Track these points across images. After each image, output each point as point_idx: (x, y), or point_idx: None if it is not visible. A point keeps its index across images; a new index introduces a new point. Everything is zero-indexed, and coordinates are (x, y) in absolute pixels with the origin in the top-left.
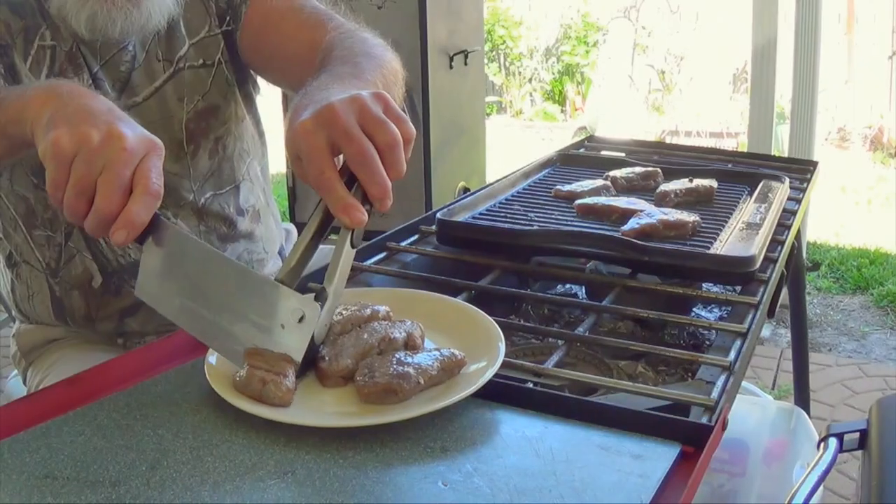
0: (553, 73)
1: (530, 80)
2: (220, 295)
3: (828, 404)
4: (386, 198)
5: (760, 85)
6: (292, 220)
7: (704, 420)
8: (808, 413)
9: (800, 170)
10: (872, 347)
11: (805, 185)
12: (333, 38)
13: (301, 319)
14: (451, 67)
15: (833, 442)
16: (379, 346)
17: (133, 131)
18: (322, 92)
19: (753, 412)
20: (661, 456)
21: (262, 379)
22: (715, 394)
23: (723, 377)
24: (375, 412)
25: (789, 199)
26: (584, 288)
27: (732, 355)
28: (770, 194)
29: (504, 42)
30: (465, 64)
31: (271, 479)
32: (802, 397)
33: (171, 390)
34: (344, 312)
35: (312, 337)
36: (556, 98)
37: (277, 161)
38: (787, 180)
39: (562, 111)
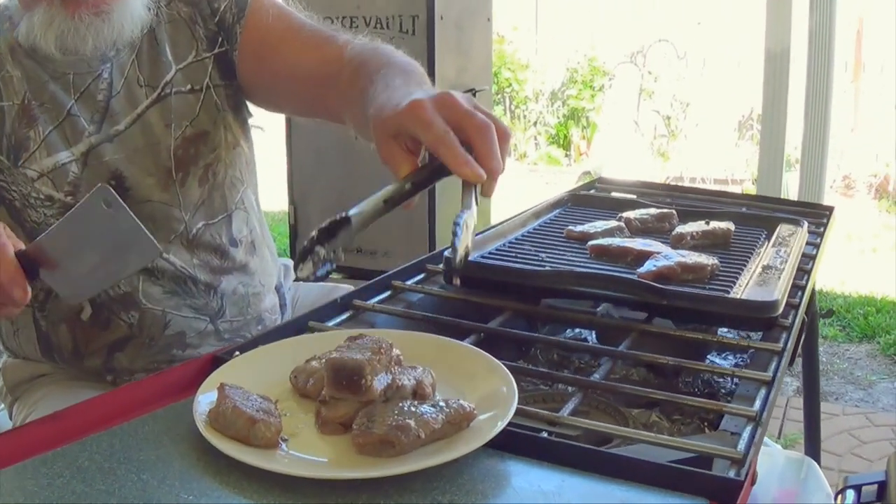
0: (558, 117)
1: (535, 124)
2: (99, 245)
3: (835, 454)
4: (496, 173)
5: (770, 132)
6: (293, 258)
7: (731, 474)
8: (819, 463)
9: (815, 214)
10: (879, 396)
11: (822, 229)
12: (360, 50)
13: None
14: None
15: (851, 494)
16: (385, 392)
17: None
18: (407, 88)
19: (762, 461)
20: None
21: (251, 418)
22: (741, 446)
23: (749, 428)
24: (377, 463)
25: (807, 244)
26: (594, 333)
27: (758, 405)
28: (789, 238)
29: (510, 85)
30: None
31: None
32: (813, 447)
33: (159, 431)
34: None
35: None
36: (561, 142)
37: (280, 199)
38: (806, 224)
39: (566, 155)
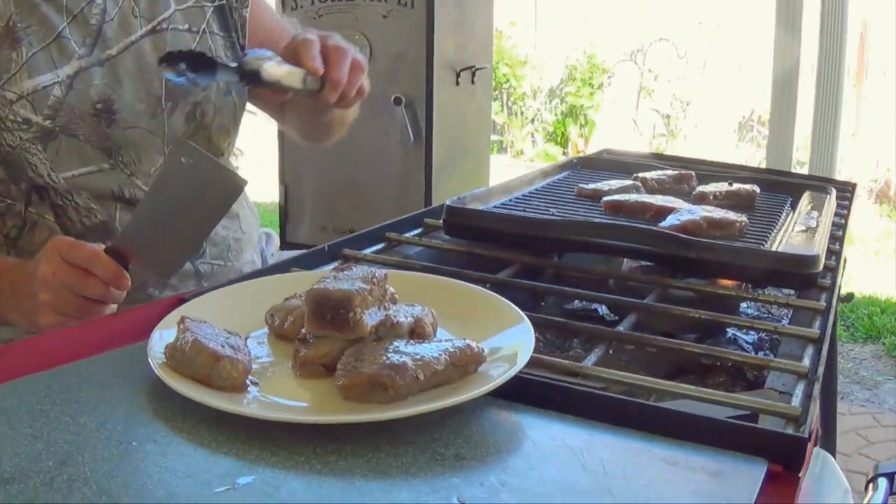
0: (556, 114)
1: (533, 121)
2: (183, 204)
3: (843, 453)
4: (338, 83)
5: (778, 136)
6: (283, 239)
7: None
8: (834, 456)
9: (839, 188)
10: (885, 397)
11: (846, 201)
12: None
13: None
14: (457, 84)
15: (883, 482)
16: (377, 331)
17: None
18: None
19: None
20: (744, 474)
21: (214, 354)
22: (796, 402)
23: (801, 385)
24: (366, 408)
25: (835, 214)
26: (603, 307)
27: (807, 361)
28: (818, 204)
29: (507, 81)
30: (472, 82)
31: (220, 486)
32: (829, 440)
33: (108, 373)
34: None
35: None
36: (559, 139)
37: (270, 192)
38: (834, 191)
39: (563, 153)
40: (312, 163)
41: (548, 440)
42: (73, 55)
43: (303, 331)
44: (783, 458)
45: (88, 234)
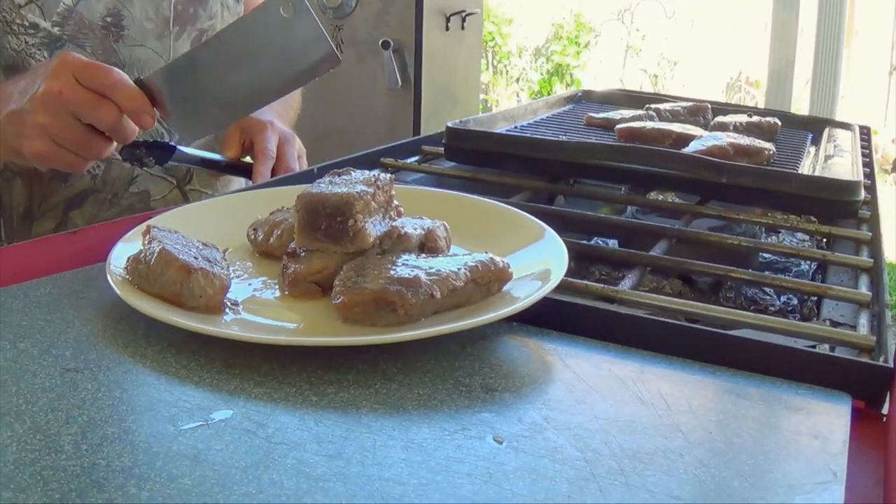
0: (542, 74)
1: (518, 80)
2: (252, 62)
3: None
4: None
5: (776, 90)
6: None
7: None
8: None
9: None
10: (888, 360)
11: (866, 142)
12: None
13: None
14: (447, 29)
15: None
16: (381, 244)
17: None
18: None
19: None
20: (829, 410)
21: (185, 266)
22: (863, 330)
23: (864, 315)
24: (369, 331)
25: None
26: (614, 243)
27: (864, 289)
28: (843, 139)
29: (493, 39)
30: (462, 28)
31: (189, 422)
32: None
33: (60, 294)
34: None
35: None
36: None
37: None
38: (857, 128)
39: None
40: (301, 112)
41: (592, 370)
42: None
43: (292, 245)
44: (865, 393)
45: None
